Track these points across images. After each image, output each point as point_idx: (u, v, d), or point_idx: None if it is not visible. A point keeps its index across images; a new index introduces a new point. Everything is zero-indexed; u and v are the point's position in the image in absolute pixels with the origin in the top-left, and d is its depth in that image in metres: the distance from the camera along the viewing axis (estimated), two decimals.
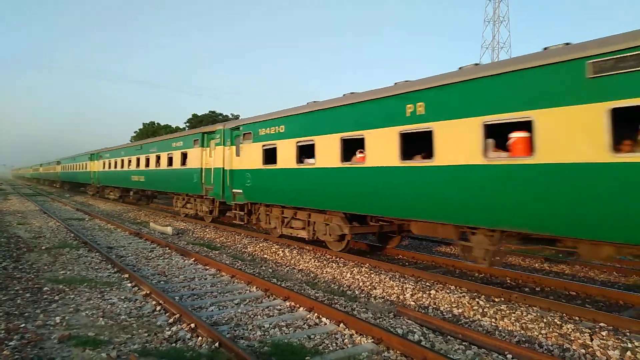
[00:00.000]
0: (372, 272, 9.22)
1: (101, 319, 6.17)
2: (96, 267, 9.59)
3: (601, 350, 5.36)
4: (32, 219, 18.68)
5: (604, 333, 5.71)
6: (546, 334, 5.91)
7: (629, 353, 5.21)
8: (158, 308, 6.76)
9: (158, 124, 74.26)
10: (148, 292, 7.52)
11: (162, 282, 8.51)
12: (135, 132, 75.65)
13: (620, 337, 5.62)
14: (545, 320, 6.24)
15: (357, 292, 8.22)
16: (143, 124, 75.91)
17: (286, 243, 12.86)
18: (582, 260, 10.24)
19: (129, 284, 8.13)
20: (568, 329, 5.91)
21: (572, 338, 5.70)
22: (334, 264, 10.02)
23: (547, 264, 10.69)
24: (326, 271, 9.62)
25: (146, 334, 5.65)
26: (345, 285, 8.65)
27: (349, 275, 9.17)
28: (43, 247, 11.66)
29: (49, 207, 25.31)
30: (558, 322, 6.13)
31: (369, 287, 8.43)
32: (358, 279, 8.87)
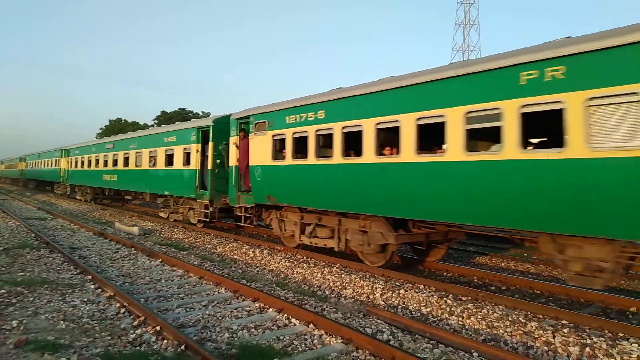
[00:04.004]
0: (342, 272, 9.23)
1: (62, 322, 5.93)
2: (58, 268, 9.24)
3: (563, 347, 5.52)
4: None
5: (565, 330, 5.88)
6: (511, 332, 6.04)
7: (588, 349, 5.38)
8: (122, 310, 6.56)
9: (125, 120, 72.62)
10: (112, 294, 7.29)
11: (127, 283, 8.27)
12: (101, 129, 73.75)
13: (580, 333, 5.80)
14: (510, 318, 6.39)
15: (327, 292, 8.21)
16: (109, 120, 74.17)
17: (256, 243, 12.74)
18: (546, 260, 10.55)
19: (92, 286, 7.87)
20: (532, 326, 6.06)
21: (536, 335, 5.84)
22: (304, 265, 9.98)
23: (512, 263, 10.97)
24: (297, 271, 9.58)
25: (109, 337, 5.46)
26: (315, 286, 8.63)
27: (319, 275, 9.16)
28: (1, 248, 11.14)
29: (8, 206, 24.28)
30: (523, 320, 6.28)
31: (340, 287, 8.43)
32: (329, 279, 8.86)
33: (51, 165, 37.10)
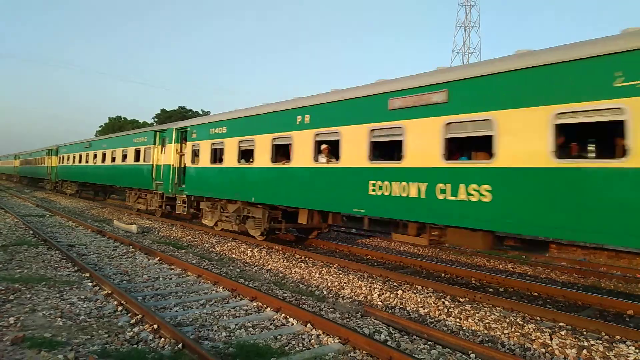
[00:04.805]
0: (340, 272, 9.23)
1: (59, 319, 5.92)
2: (56, 265, 9.22)
3: (560, 349, 5.52)
4: None
5: (562, 332, 5.89)
6: (508, 333, 6.04)
7: (585, 351, 5.39)
8: (120, 308, 6.55)
9: (125, 118, 72.63)
10: (109, 291, 7.28)
11: (124, 281, 8.26)
12: (100, 127, 73.72)
13: (577, 336, 5.81)
14: (507, 320, 6.39)
15: (325, 292, 8.21)
16: (109, 118, 74.12)
17: (255, 242, 12.74)
18: (545, 262, 10.56)
19: (90, 284, 7.86)
20: (529, 328, 6.07)
21: (533, 337, 5.85)
22: (302, 264, 9.98)
23: (510, 265, 10.98)
24: (295, 271, 9.58)
25: (106, 335, 5.45)
26: (313, 285, 8.62)
27: (317, 275, 9.16)
28: None
29: (6, 203, 24.24)
30: (520, 322, 6.28)
31: (338, 287, 8.43)
32: (327, 279, 8.86)
33: (122, 161, 21.66)
